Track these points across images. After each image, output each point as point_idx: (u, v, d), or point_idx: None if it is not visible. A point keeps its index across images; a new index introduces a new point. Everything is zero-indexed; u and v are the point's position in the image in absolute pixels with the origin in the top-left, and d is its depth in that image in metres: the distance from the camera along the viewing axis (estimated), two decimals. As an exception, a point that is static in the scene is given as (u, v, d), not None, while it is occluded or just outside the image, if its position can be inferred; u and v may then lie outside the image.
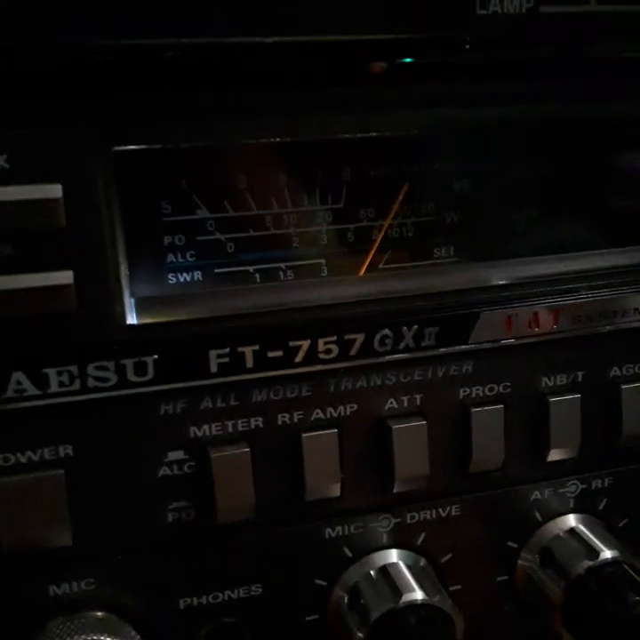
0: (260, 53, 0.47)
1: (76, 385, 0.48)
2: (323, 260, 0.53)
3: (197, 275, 0.51)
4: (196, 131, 0.49)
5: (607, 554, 0.58)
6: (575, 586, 0.57)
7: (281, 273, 0.52)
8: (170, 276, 0.50)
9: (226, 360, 0.50)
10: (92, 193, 0.46)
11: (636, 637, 0.54)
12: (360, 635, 0.54)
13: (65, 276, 0.46)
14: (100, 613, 0.53)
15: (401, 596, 0.54)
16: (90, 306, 0.47)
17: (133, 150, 0.47)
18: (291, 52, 0.47)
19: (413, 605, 0.54)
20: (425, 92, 0.52)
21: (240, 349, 0.50)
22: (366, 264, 0.54)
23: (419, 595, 0.54)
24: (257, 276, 0.52)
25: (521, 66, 0.52)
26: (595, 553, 0.58)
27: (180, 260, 0.50)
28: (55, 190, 0.45)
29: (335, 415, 0.54)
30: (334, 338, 0.52)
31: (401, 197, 0.53)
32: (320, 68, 0.50)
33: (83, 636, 0.50)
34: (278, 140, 0.51)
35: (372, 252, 0.54)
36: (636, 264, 0.58)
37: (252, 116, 0.50)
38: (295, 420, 0.53)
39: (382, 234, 0.53)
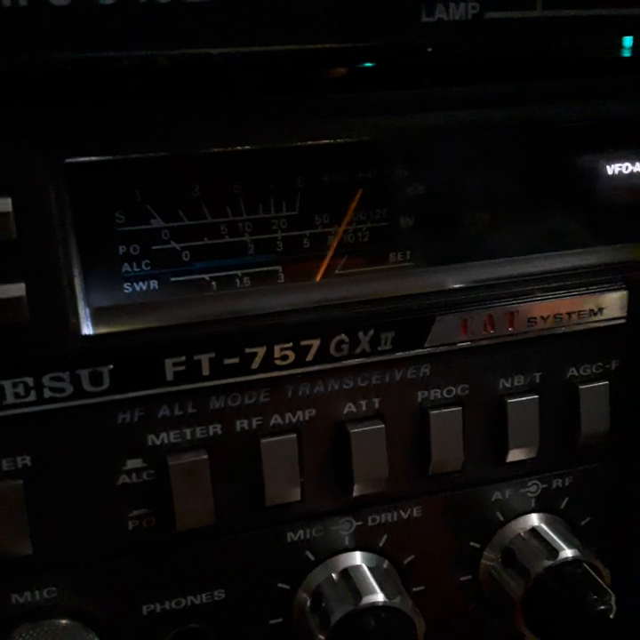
0: (208, 64, 0.46)
1: (32, 396, 0.48)
2: (279, 267, 0.53)
3: (153, 284, 0.51)
4: (148, 141, 0.49)
5: (567, 553, 0.59)
6: (535, 585, 0.58)
7: (237, 280, 0.53)
8: (125, 286, 0.50)
9: (182, 368, 0.51)
10: (44, 205, 0.46)
11: (595, 635, 0.55)
12: (321, 637, 0.54)
13: (17, 289, 0.46)
14: (64, 621, 0.53)
15: (361, 598, 0.54)
16: (44, 317, 0.47)
17: (84, 162, 0.48)
18: (239, 62, 0.47)
19: (373, 607, 0.54)
20: (378, 98, 0.53)
21: (196, 357, 0.51)
22: (322, 270, 0.54)
23: (379, 597, 0.55)
24: (213, 283, 0.52)
25: (469, 71, 0.52)
26: (555, 552, 0.59)
27: (136, 269, 0.50)
28: (5, 204, 0.45)
29: (294, 420, 0.54)
30: (290, 344, 0.52)
31: (355, 203, 0.54)
32: (269, 77, 0.50)
33: (46, 644, 0.50)
34: (231, 148, 0.50)
35: (328, 257, 0.54)
36: (590, 265, 0.59)
37: (204, 125, 0.50)
38: (254, 426, 0.53)
39: (337, 239, 0.54)
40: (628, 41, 0.53)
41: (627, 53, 0.53)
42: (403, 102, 0.54)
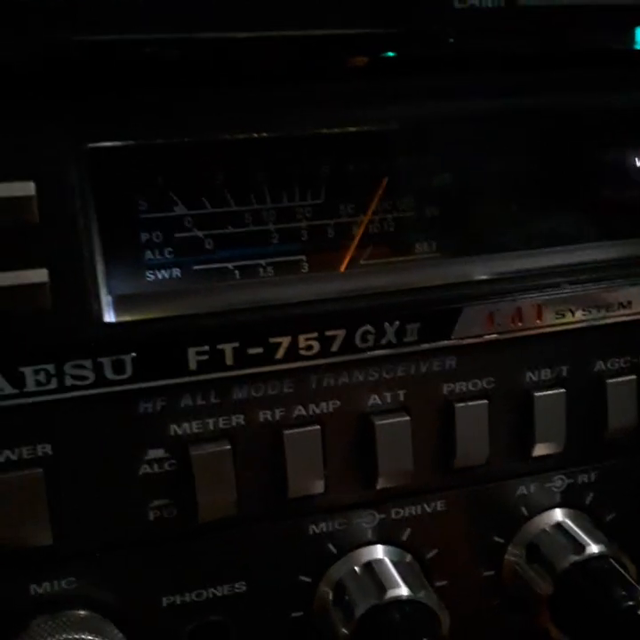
0: (235, 49, 0.46)
1: (54, 383, 0.48)
2: (303, 257, 0.53)
3: (176, 272, 0.51)
4: (172, 127, 0.49)
5: (593, 548, 0.58)
6: (561, 580, 0.57)
7: (261, 269, 0.52)
8: (148, 274, 0.50)
9: (205, 357, 0.50)
10: (67, 190, 0.46)
11: (622, 632, 0.54)
12: (345, 631, 0.54)
13: (40, 274, 0.46)
14: (83, 612, 0.52)
15: (385, 591, 0.54)
16: (66, 304, 0.47)
17: (108, 147, 0.47)
18: (266, 47, 0.47)
19: (398, 601, 0.54)
20: (404, 86, 0.52)
21: (220, 347, 0.50)
22: (347, 260, 0.53)
23: (403, 591, 0.54)
24: (236, 272, 0.51)
25: (500, 59, 0.52)
26: (581, 547, 0.58)
27: (158, 257, 0.50)
28: (28, 188, 0.45)
29: (317, 412, 0.54)
30: (315, 334, 0.52)
31: (381, 192, 0.53)
32: (297, 63, 0.49)
33: (65, 635, 0.50)
34: (256, 135, 0.50)
35: (353, 247, 0.53)
36: (619, 258, 0.58)
37: (229, 112, 0.50)
38: (277, 417, 0.53)
39: (362, 229, 0.53)
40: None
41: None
42: (429, 90, 0.53)
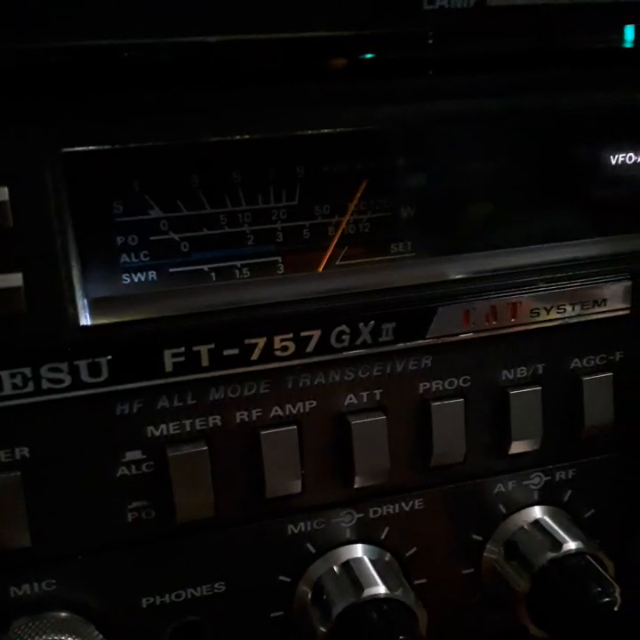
0: (208, 53, 0.46)
1: (30, 387, 0.48)
2: (278, 258, 0.53)
3: (152, 274, 0.51)
4: (146, 130, 0.49)
5: (571, 545, 0.58)
6: (538, 577, 0.57)
7: (237, 271, 0.52)
8: (124, 277, 0.50)
9: (181, 359, 0.50)
10: (41, 195, 0.46)
11: (598, 628, 0.54)
12: (323, 630, 0.54)
13: (14, 279, 0.46)
14: (63, 614, 0.53)
15: (363, 590, 0.54)
16: (41, 307, 0.47)
17: (82, 151, 0.47)
18: (238, 51, 0.47)
19: (375, 599, 0.54)
20: (377, 87, 0.52)
21: (195, 348, 0.50)
22: (324, 261, 0.53)
23: (381, 589, 0.54)
24: (212, 274, 0.52)
25: (472, 60, 0.52)
26: (558, 544, 0.58)
27: (134, 260, 0.50)
28: (1, 193, 0.45)
29: (294, 412, 0.54)
30: (290, 335, 0.52)
31: (356, 194, 0.53)
32: (270, 66, 0.49)
33: (44, 636, 0.50)
34: (231, 137, 0.50)
35: (329, 248, 0.53)
36: (593, 256, 0.58)
37: (203, 115, 0.50)
38: (254, 418, 0.53)
39: (339, 231, 0.53)
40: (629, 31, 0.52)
41: (628, 44, 0.53)
42: (404, 91, 0.53)
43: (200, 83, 0.49)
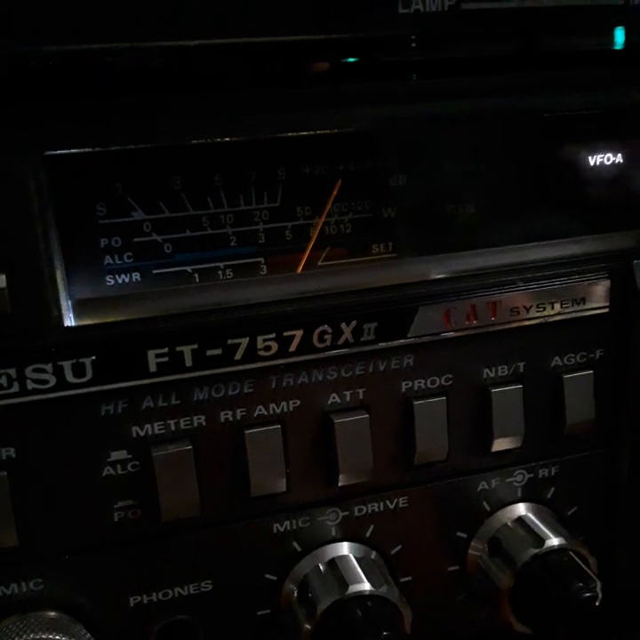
0: (188, 57, 0.47)
1: (15, 387, 0.49)
2: (261, 259, 0.53)
3: (135, 276, 0.51)
4: (128, 133, 0.49)
5: (553, 541, 0.59)
6: (521, 574, 0.58)
7: (220, 272, 0.53)
8: (108, 278, 0.51)
9: (165, 360, 0.51)
10: (24, 197, 0.47)
11: (580, 623, 0.55)
12: (308, 627, 0.54)
13: (-3, 280, 0.46)
14: (52, 613, 0.53)
15: (348, 587, 0.55)
16: (25, 309, 0.48)
17: (65, 154, 0.48)
18: (219, 54, 0.47)
19: (360, 596, 0.54)
20: (356, 90, 0.53)
21: (179, 349, 0.51)
22: (304, 261, 0.54)
23: (365, 586, 0.55)
24: (195, 275, 0.52)
25: (448, 62, 0.52)
26: (541, 541, 0.59)
27: (118, 261, 0.51)
28: (-17, 196, 0.45)
29: (278, 411, 0.54)
30: (273, 335, 0.53)
31: (337, 194, 0.54)
32: (250, 69, 0.50)
33: (32, 635, 0.51)
34: (212, 140, 0.51)
35: (309, 249, 0.54)
36: (572, 255, 0.59)
37: (185, 117, 0.50)
38: (238, 417, 0.54)
39: (319, 231, 0.54)
40: (619, 34, 0.53)
41: (615, 46, 0.54)
42: (383, 94, 0.54)
43: (181, 86, 0.49)
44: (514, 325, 0.58)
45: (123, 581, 0.54)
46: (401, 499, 0.59)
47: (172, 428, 0.52)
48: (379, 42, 0.49)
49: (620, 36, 0.53)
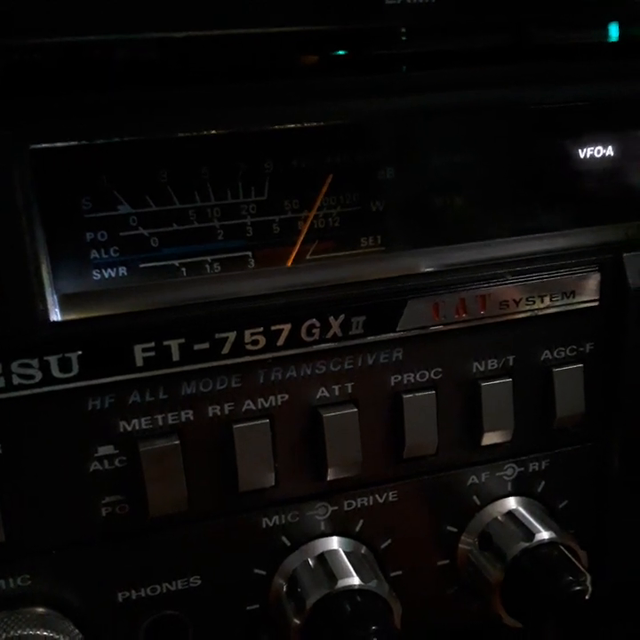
0: (174, 49, 0.47)
1: (1, 383, 0.48)
2: (249, 253, 0.53)
3: (122, 270, 0.51)
4: (114, 126, 0.49)
5: (543, 535, 0.59)
6: (511, 567, 0.58)
7: (207, 266, 0.53)
8: (94, 273, 0.50)
9: (152, 354, 0.51)
10: (8, 191, 0.47)
11: (569, 616, 0.55)
12: (297, 621, 0.54)
13: (-18, 275, 0.46)
14: (40, 609, 0.53)
15: (337, 581, 0.55)
16: (11, 304, 0.48)
17: (50, 148, 0.47)
18: (206, 46, 0.47)
19: (349, 590, 0.54)
20: (345, 82, 0.53)
21: (166, 343, 0.51)
22: (293, 255, 0.54)
23: (354, 580, 0.55)
24: (183, 269, 0.52)
25: (436, 55, 0.52)
26: (531, 534, 0.59)
27: (104, 255, 0.50)
28: (-31, 190, 0.45)
29: (266, 405, 0.54)
30: (261, 329, 0.52)
31: (325, 188, 0.53)
32: (238, 62, 0.50)
33: (20, 631, 0.51)
34: (198, 133, 0.50)
35: (299, 243, 0.54)
36: (561, 249, 0.59)
37: (171, 110, 0.50)
38: (226, 412, 0.53)
39: (308, 225, 0.53)
40: (614, 28, 0.52)
41: (609, 38, 0.54)
42: (372, 86, 0.54)
43: (168, 78, 0.49)
44: (503, 319, 0.57)
45: (111, 577, 0.54)
46: (390, 493, 0.59)
47: (160, 422, 0.52)
48: (367, 34, 0.48)
49: (614, 29, 0.53)
